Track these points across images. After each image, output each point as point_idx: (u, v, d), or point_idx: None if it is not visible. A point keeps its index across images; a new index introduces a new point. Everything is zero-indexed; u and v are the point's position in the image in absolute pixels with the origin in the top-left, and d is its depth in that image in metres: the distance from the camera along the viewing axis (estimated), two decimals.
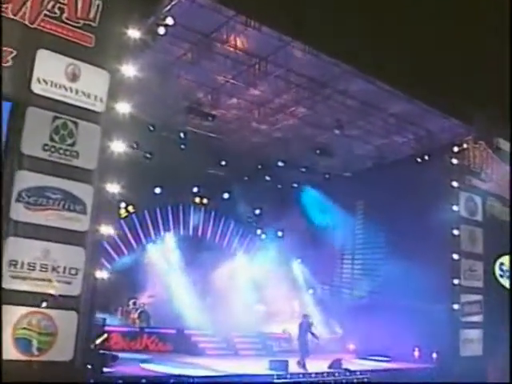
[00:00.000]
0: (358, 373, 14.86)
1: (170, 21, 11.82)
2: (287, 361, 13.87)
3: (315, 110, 16.66)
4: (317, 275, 20.93)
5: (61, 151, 10.38)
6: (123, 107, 11.16)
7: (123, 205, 17.35)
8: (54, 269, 10.00)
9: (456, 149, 18.46)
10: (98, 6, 11.14)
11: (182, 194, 18.56)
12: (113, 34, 11.20)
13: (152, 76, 13.19)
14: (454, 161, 18.58)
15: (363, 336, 19.00)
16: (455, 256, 18.04)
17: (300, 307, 19.55)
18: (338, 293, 21.05)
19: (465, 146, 18.87)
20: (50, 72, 10.39)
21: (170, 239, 18.20)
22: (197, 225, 19.58)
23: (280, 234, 21.13)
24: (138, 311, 16.18)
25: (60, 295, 10.01)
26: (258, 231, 21.21)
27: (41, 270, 9.88)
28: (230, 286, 18.56)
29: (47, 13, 10.44)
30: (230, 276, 18.75)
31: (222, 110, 16.62)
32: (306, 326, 15.04)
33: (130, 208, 17.77)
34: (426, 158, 18.73)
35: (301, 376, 13.53)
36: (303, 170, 20.01)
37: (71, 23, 10.73)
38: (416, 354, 18.09)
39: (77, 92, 10.72)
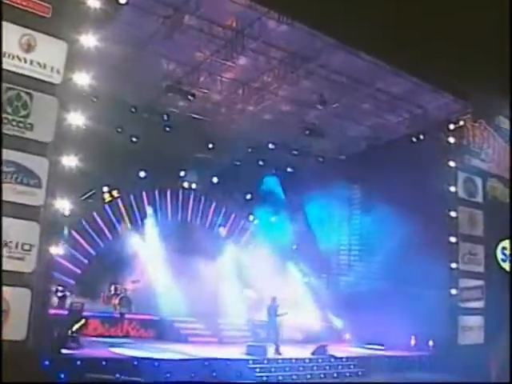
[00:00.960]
0: (344, 359, 14.29)
1: None
2: (265, 346, 13.38)
3: (301, 87, 16.05)
4: (312, 262, 20.30)
5: (14, 123, 10.06)
6: (82, 78, 10.82)
7: (106, 189, 17.06)
8: (5, 244, 9.66)
9: (452, 127, 17.70)
10: None
11: (166, 177, 18.07)
12: (72, 4, 10.84)
13: (118, 49, 12.76)
14: (451, 140, 17.85)
15: (358, 324, 18.32)
16: (452, 239, 17.32)
17: (293, 294, 18.94)
18: (334, 280, 20.46)
19: (463, 124, 18.11)
20: (3, 42, 10.06)
21: (153, 224, 17.80)
22: (183, 209, 19.13)
23: (273, 219, 20.56)
24: (119, 297, 15.84)
25: (11, 271, 9.69)
26: (251, 217, 20.67)
27: None
28: (219, 271, 18.07)
29: None
30: (218, 262, 18.23)
31: (202, 89, 16.14)
32: (273, 310, 14.56)
33: (115, 193, 17.45)
34: (422, 137, 18.03)
35: (279, 361, 13.02)
36: (295, 152, 19.39)
37: None
38: (412, 342, 17.42)
39: (31, 63, 10.38)
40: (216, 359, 12.11)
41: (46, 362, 9.79)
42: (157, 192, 18.46)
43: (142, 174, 17.65)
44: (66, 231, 14.26)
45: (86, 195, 16.50)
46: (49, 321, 10.61)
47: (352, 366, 14.03)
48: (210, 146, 18.20)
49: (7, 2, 10.11)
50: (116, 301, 15.76)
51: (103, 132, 13.60)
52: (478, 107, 18.34)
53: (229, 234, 19.96)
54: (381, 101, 17.31)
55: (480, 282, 17.90)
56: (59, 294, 14.62)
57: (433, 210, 17.28)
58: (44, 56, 10.51)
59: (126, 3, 11.55)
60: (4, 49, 10.04)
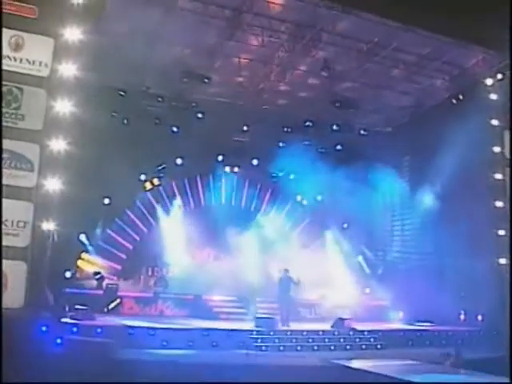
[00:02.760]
0: (366, 333, 13.79)
1: None
2: (274, 318, 13.40)
3: (328, 59, 15.70)
4: (362, 240, 19.75)
5: (6, 115, 11.28)
6: (69, 70, 11.79)
7: (144, 177, 18.13)
8: (2, 222, 10.86)
9: (491, 82, 16.20)
10: None
11: (203, 162, 18.66)
12: (56, 2, 11.86)
13: (116, 40, 13.51)
14: (493, 96, 16.36)
15: (408, 302, 17.46)
16: (499, 203, 15.86)
17: (343, 273, 18.59)
18: (384, 257, 19.67)
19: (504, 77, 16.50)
20: None
21: (192, 209, 18.55)
22: (225, 192, 19.66)
23: (319, 198, 20.30)
24: (156, 278, 16.78)
25: (9, 246, 10.86)
26: (298, 197, 20.62)
27: None
28: (263, 252, 18.21)
29: None
30: (263, 242, 18.38)
31: (220, 73, 16.52)
32: (286, 282, 14.41)
33: (155, 181, 18.48)
34: (461, 97, 16.77)
35: (288, 334, 12.96)
36: (335, 128, 19.01)
37: None
38: (462, 317, 16.25)
39: (21, 60, 11.57)
40: (216, 329, 12.41)
41: (44, 328, 10.78)
42: (197, 177, 19.12)
43: (179, 161, 18.40)
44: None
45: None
46: (45, 291, 11.61)
47: (372, 339, 13.49)
48: (245, 128, 18.48)
49: None
50: (152, 282, 16.69)
51: (103, 119, 14.57)
52: None
53: (274, 215, 20.03)
54: (414, 65, 16.49)
55: None
56: (97, 276, 15.89)
57: (476, 174, 16.07)
58: (32, 53, 11.65)
59: None
60: None
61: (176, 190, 18.85)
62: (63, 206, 14.54)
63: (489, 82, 16.24)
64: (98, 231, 17.31)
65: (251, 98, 17.93)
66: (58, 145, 11.49)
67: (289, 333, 13.00)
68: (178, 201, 18.75)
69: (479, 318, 15.81)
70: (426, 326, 15.91)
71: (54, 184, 11.43)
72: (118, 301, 15.39)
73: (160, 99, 17.00)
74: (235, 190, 19.86)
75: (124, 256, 17.77)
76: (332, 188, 19.54)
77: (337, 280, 18.49)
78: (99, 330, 11.38)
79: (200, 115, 17.81)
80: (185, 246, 17.67)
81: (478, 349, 13.89)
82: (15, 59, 11.52)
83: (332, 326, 13.96)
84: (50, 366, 9.11)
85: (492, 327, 15.21)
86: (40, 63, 11.71)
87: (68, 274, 15.87)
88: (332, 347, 12.81)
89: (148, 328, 11.92)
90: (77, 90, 11.89)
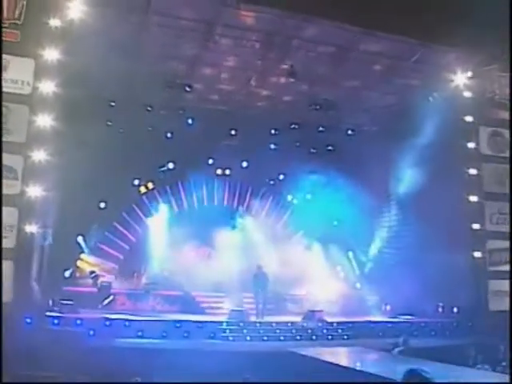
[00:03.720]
0: (335, 324, 14.88)
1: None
2: (246, 310, 14.68)
3: (304, 65, 16.83)
4: (349, 237, 20.78)
5: None
6: (49, 87, 13.33)
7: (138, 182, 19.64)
8: None
9: (464, 80, 16.99)
10: (22, 5, 13.52)
11: (194, 166, 20.01)
12: (37, 26, 13.38)
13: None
14: (467, 94, 17.14)
15: (393, 296, 18.40)
16: (474, 198, 16.64)
17: (326, 269, 19.66)
18: (370, 253, 20.60)
19: (482, 76, 17.27)
20: None
21: (183, 211, 20.01)
22: (216, 194, 21.02)
23: (309, 196, 21.40)
24: (147, 276, 18.26)
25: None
26: (289, 196, 21.82)
27: None
28: (255, 251, 19.39)
29: None
30: (254, 241, 19.62)
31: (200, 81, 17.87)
32: (260, 277, 15.56)
33: (150, 185, 19.99)
34: (437, 95, 17.62)
35: (257, 325, 14.18)
36: (322, 129, 20.09)
37: None
38: (440, 309, 17.11)
39: (6, 81, 13.14)
40: (188, 321, 13.75)
41: (28, 320, 12.34)
42: (190, 181, 20.48)
43: (171, 165, 19.82)
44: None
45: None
46: (33, 288, 13.17)
47: (339, 331, 14.57)
48: (233, 132, 19.77)
49: None
50: (144, 279, 18.17)
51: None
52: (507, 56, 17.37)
53: (266, 215, 21.25)
54: (388, 66, 17.44)
55: None
56: (92, 275, 17.47)
57: (452, 170, 16.90)
58: (15, 73, 13.20)
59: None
60: None
61: (170, 193, 20.26)
62: (61, 211, 16.41)
63: (462, 79, 17.00)
64: (96, 233, 18.85)
65: (236, 104, 19.20)
66: (41, 155, 13.00)
67: (258, 324, 14.23)
68: (171, 203, 20.20)
69: (455, 310, 16.62)
70: (406, 318, 16.88)
71: (37, 191, 12.94)
72: (112, 297, 16.91)
73: (149, 108, 18.39)
74: (227, 192, 21.16)
75: (121, 256, 19.31)
76: (322, 187, 20.72)
77: (325, 276, 19.56)
78: (79, 322, 12.89)
79: (190, 121, 19.18)
80: (177, 246, 18.96)
81: (446, 338, 14.89)
82: (3, 80, 13.09)
83: (303, 319, 15.10)
84: (25, 351, 10.61)
85: (467, 319, 16.08)
86: (22, 82, 13.27)
87: (67, 274, 17.68)
88: (298, 338, 13.95)
89: (124, 320, 13.35)
90: (63, 104, 13.47)
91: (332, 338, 14.26)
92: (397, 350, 11.87)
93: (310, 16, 14.98)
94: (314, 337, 14.15)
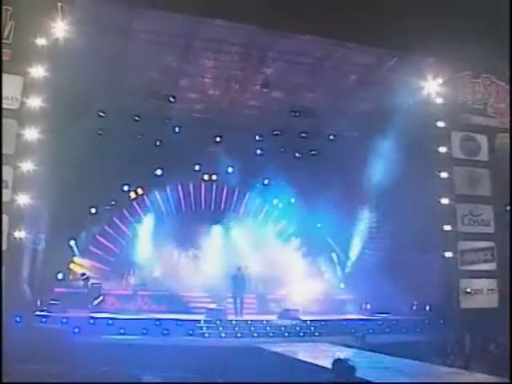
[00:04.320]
0: (308, 322, 15.94)
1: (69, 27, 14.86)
2: (223, 309, 15.77)
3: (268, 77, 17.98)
4: (333, 239, 21.88)
5: None
6: (36, 101, 14.54)
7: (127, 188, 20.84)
8: None
9: (436, 87, 17.97)
10: (11, 25, 14.76)
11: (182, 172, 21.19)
12: (24, 45, 14.61)
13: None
14: (440, 100, 18.11)
15: (372, 295, 19.45)
16: (445, 201, 17.60)
17: (309, 270, 20.75)
18: (352, 255, 21.62)
19: (455, 82, 18.28)
20: None
21: (170, 215, 21.22)
22: (203, 199, 22.19)
23: (293, 200, 22.49)
24: (134, 277, 19.44)
25: None
26: (275, 200, 22.94)
27: None
28: (239, 252, 20.51)
29: None
30: (238, 243, 20.79)
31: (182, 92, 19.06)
32: (239, 278, 16.62)
33: (140, 190, 21.20)
34: (411, 102, 18.62)
35: (233, 323, 15.29)
36: (304, 135, 21.17)
37: None
38: (414, 308, 18.11)
39: None
40: (166, 319, 14.90)
41: (18, 319, 13.52)
42: (178, 186, 21.68)
43: (159, 171, 20.99)
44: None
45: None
46: (23, 289, 14.38)
47: (312, 328, 15.64)
48: (218, 139, 20.91)
49: None
50: (131, 280, 19.36)
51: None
52: (479, 63, 18.39)
53: (251, 218, 22.37)
54: (362, 74, 18.51)
55: (488, 244, 17.83)
56: (83, 277, 18.67)
57: (425, 173, 17.88)
58: (5, 90, 14.40)
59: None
60: None
61: (159, 198, 21.44)
62: (54, 217, 17.62)
63: (435, 86, 17.99)
64: (87, 237, 20.07)
65: (220, 112, 20.32)
66: (29, 165, 14.21)
67: (233, 322, 15.33)
68: (160, 208, 21.38)
69: (427, 308, 17.61)
70: (382, 316, 17.92)
71: (26, 199, 14.12)
72: (101, 298, 18.09)
73: (137, 118, 19.55)
74: (214, 196, 22.30)
75: (111, 258, 20.49)
76: (306, 191, 21.79)
77: (309, 276, 20.63)
78: (64, 320, 14.05)
79: (177, 129, 20.34)
80: (165, 248, 20.13)
81: (415, 335, 15.92)
82: None
83: (278, 317, 16.18)
84: (12, 345, 11.78)
85: (439, 316, 17.05)
86: (12, 98, 14.49)
87: (60, 276, 18.91)
88: (271, 335, 15.03)
89: (107, 318, 14.52)
90: (52, 117, 14.67)
91: (304, 335, 15.30)
92: (356, 344, 12.93)
93: (284, 31, 16.19)
94: (286, 334, 15.20)
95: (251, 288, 18.36)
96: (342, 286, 21.36)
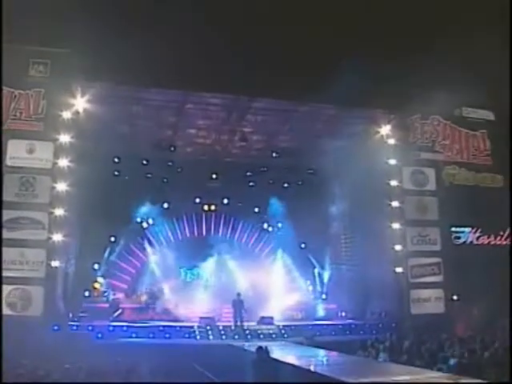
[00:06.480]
0: (281, 326, 21.02)
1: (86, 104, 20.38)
2: (213, 317, 20.96)
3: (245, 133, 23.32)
4: (315, 256, 26.99)
5: (26, 195, 19.70)
6: (64, 162, 20.05)
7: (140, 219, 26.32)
8: (27, 262, 19.24)
9: (387, 131, 22.84)
10: (43, 104, 20.36)
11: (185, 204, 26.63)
12: (54, 118, 20.18)
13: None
14: (391, 141, 22.98)
15: (346, 304, 24.52)
16: (396, 225, 22.44)
17: (295, 284, 25.88)
18: (332, 270, 26.68)
19: (406, 124, 23.12)
20: (16, 152, 19.77)
21: (178, 241, 26.71)
22: (204, 226, 27.56)
23: (280, 224, 27.66)
24: (148, 294, 24.79)
25: (32, 277, 19.19)
26: (265, 225, 28.13)
27: (20, 263, 19.19)
28: (231, 272, 25.73)
29: (12, 116, 19.99)
30: (232, 263, 25.99)
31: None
32: (238, 303, 21.60)
33: (150, 220, 26.67)
34: (365, 144, 23.50)
35: (220, 328, 20.49)
36: (287, 170, 26.34)
37: (27, 119, 20.07)
38: (374, 315, 23.02)
39: (33, 159, 19.93)
40: (168, 326, 20.20)
41: (55, 327, 18.92)
42: (183, 216, 27.11)
43: (166, 205, 26.43)
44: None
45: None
46: (58, 305, 19.84)
47: (282, 331, 20.72)
48: (214, 176, 26.23)
49: (17, 128, 19.90)
50: (145, 297, 24.74)
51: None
52: (428, 106, 23.16)
53: (246, 242, 27.63)
54: (328, 120, 23.56)
55: (434, 260, 22.56)
56: (104, 294, 24.17)
57: (381, 203, 22.77)
58: (40, 154, 19.97)
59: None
60: (17, 154, 19.78)
61: (166, 227, 26.89)
62: (81, 246, 23.15)
63: (385, 130, 22.91)
64: (107, 261, 25.58)
65: (214, 154, 25.69)
66: (60, 211, 19.72)
67: (220, 327, 20.51)
68: (168, 235, 26.84)
69: (383, 314, 22.48)
70: (348, 321, 22.90)
71: (59, 237, 19.62)
72: (120, 311, 23.54)
73: (145, 162, 25.05)
74: (213, 223, 27.64)
75: (129, 278, 25.98)
76: (291, 216, 26.89)
77: (293, 289, 25.78)
78: (90, 328, 19.46)
79: (179, 169, 25.72)
80: (172, 269, 25.54)
81: (366, 335, 20.72)
82: (30, 159, 19.90)
83: (256, 323, 21.32)
84: (52, 345, 17.12)
85: (392, 321, 21.86)
86: (46, 160, 20.04)
87: (87, 293, 24.45)
88: (249, 337, 20.16)
89: (123, 326, 19.91)
90: (78, 170, 20.14)
91: (276, 337, 20.39)
92: (306, 342, 17.97)
93: (255, 97, 21.44)
94: (261, 336, 20.31)
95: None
96: (324, 296, 26.33)
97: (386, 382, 10.55)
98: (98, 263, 25.31)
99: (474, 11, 22.47)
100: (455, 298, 22.15)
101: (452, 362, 12.49)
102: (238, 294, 22.17)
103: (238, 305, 21.74)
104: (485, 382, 10.25)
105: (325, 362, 14.17)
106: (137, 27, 20.38)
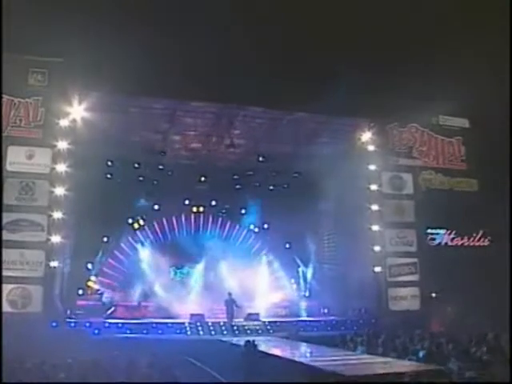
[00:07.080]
0: (266, 323, 22.58)
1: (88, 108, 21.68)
2: (203, 314, 22.46)
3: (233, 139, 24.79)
4: (299, 256, 28.60)
5: (26, 198, 21.01)
6: (61, 167, 21.37)
7: (132, 220, 27.70)
8: (27, 263, 20.58)
9: (367, 138, 24.46)
10: (42, 111, 21.66)
11: (174, 206, 28.06)
12: (52, 125, 21.50)
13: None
14: (371, 148, 24.61)
15: (328, 301, 26.16)
16: (376, 227, 24.08)
17: (280, 282, 27.47)
18: (316, 269, 28.32)
19: (384, 132, 24.76)
20: (16, 157, 21.07)
21: (169, 240, 28.16)
22: (194, 226, 29.07)
23: (266, 226, 29.21)
24: (139, 292, 26.19)
25: (31, 277, 20.53)
26: (251, 226, 29.65)
27: (20, 264, 20.52)
28: (220, 271, 27.23)
29: (12, 123, 21.27)
30: (221, 264, 27.45)
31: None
32: (230, 302, 23.03)
33: (141, 221, 28.06)
34: (346, 150, 25.12)
35: (209, 324, 22.00)
36: (274, 173, 27.85)
37: (26, 127, 21.37)
38: (355, 311, 24.66)
39: (32, 165, 21.23)
40: (160, 323, 21.64)
41: (54, 324, 20.26)
42: (173, 217, 28.55)
43: (156, 206, 27.83)
44: None
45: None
46: (56, 303, 21.18)
47: (268, 327, 22.29)
48: (203, 179, 27.67)
49: (17, 135, 21.18)
50: (137, 294, 26.13)
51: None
52: (406, 114, 24.79)
53: (233, 242, 29.14)
54: (313, 128, 25.11)
55: (411, 260, 24.26)
56: (98, 292, 25.55)
57: (360, 206, 24.41)
58: (39, 159, 21.28)
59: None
60: (17, 160, 21.07)
61: (157, 228, 28.31)
62: (76, 247, 24.46)
63: (366, 137, 24.52)
64: (101, 261, 26.90)
65: (203, 158, 27.14)
66: (59, 214, 21.06)
67: (210, 323, 22.01)
68: (158, 235, 28.25)
69: (362, 310, 24.13)
70: (330, 318, 24.52)
71: (57, 238, 20.95)
72: (113, 308, 24.89)
73: (137, 165, 26.42)
74: (201, 224, 29.12)
75: (121, 277, 27.35)
76: (276, 217, 28.40)
77: (278, 287, 27.37)
78: (88, 324, 20.85)
79: (170, 173, 27.11)
80: (162, 268, 26.95)
81: (346, 331, 22.32)
82: (29, 164, 21.19)
83: (244, 319, 22.86)
84: (52, 341, 18.47)
85: (372, 317, 23.50)
86: (44, 165, 21.35)
87: (80, 292, 25.78)
88: (237, 332, 21.68)
89: (117, 323, 21.32)
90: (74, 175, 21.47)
91: (262, 332, 21.94)
92: (289, 337, 19.56)
93: (243, 105, 22.94)
94: (248, 331, 21.85)
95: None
96: (307, 294, 27.94)
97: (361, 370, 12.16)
98: (92, 263, 26.61)
99: (451, 23, 24.22)
100: (434, 295, 23.74)
101: (421, 353, 14.15)
102: (229, 294, 23.60)
103: (230, 303, 23.21)
104: (485, 382, 10.82)
105: (307, 355, 15.70)
106: (131, 37, 21.75)
